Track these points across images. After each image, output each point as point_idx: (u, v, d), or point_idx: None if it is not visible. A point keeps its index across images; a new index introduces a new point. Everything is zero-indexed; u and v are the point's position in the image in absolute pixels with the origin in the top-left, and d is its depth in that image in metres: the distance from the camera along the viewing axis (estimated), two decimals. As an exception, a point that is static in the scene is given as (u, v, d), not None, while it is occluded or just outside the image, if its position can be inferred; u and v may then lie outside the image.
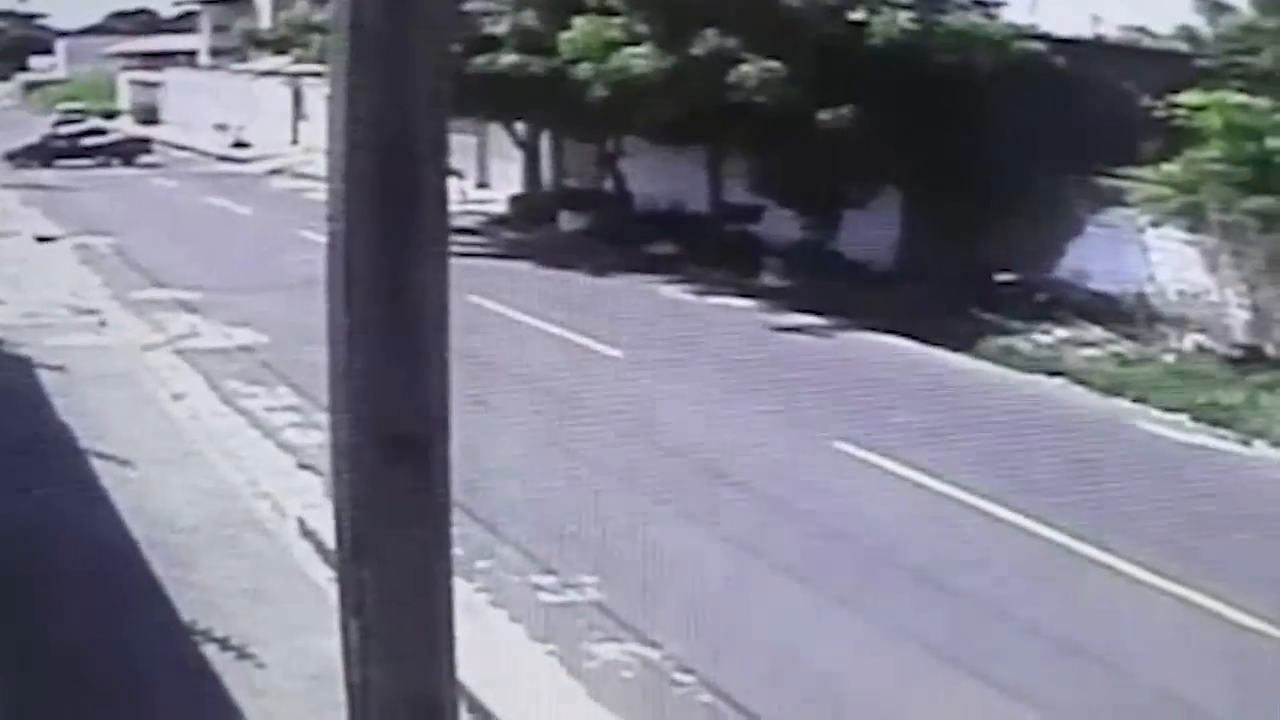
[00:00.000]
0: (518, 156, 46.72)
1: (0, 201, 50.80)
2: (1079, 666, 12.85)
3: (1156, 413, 22.69)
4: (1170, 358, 25.55)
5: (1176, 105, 25.87)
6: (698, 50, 31.98)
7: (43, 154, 66.78)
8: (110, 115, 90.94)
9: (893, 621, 13.83)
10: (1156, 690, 12.46)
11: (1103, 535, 15.80)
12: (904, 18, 31.28)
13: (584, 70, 33.90)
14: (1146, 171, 26.92)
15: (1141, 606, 14.35)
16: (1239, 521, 17.16)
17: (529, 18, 36.96)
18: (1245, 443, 21.03)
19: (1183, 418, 22.28)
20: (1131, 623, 13.95)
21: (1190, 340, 26.10)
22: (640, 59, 32.84)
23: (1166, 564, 14.85)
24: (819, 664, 13.04)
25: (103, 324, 27.68)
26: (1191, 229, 26.67)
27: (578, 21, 34.53)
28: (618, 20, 33.82)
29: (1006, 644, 13.30)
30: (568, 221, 42.90)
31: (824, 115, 30.22)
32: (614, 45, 33.50)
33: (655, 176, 40.15)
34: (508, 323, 27.50)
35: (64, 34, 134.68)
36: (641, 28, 33.36)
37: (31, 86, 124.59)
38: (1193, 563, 14.96)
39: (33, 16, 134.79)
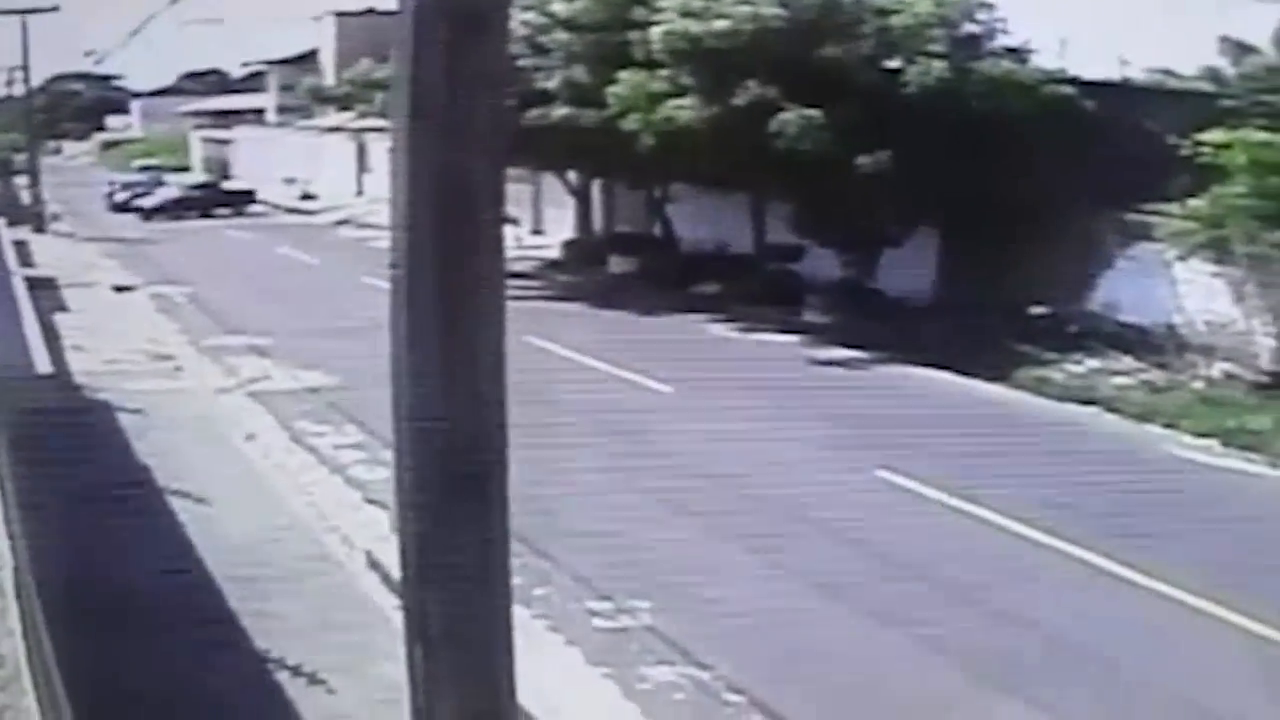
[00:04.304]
0: (570, 203, 46.91)
1: (81, 254, 51.23)
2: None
3: (1187, 438, 22.56)
4: (1199, 385, 25.41)
5: (1202, 143, 25.74)
6: (740, 100, 32.05)
7: (179, 207, 69.08)
8: (184, 170, 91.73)
9: (937, 631, 13.77)
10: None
11: (1130, 553, 15.76)
12: (938, 66, 31.28)
13: (632, 121, 34.02)
14: (1174, 207, 26.83)
15: (1173, 622, 14.24)
16: (1269, 537, 17.09)
17: (579, 72, 37.14)
18: (1274, 465, 20.90)
19: (1212, 442, 22.16)
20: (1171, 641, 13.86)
21: (1218, 368, 25.96)
22: (685, 110, 32.94)
23: (1197, 582, 14.76)
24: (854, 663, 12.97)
25: (178, 369, 27.84)
26: (1218, 261, 26.56)
27: (625, 75, 34.67)
28: (663, 73, 33.94)
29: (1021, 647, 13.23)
30: (618, 264, 43.04)
31: (862, 159, 30.23)
32: (660, 97, 33.61)
33: (701, 220, 40.28)
34: (562, 361, 27.58)
35: (139, 94, 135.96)
36: (686, 80, 33.46)
37: (108, 145, 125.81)
38: (1223, 577, 14.88)
39: (109, 78, 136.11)
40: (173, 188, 74.27)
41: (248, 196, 72.00)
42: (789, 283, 35.78)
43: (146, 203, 70.72)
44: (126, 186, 77.06)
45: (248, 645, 12.83)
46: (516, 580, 5.10)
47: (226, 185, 75.05)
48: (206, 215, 66.77)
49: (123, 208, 72.02)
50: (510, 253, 4.99)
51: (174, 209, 68.51)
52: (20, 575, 11.14)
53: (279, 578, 14.89)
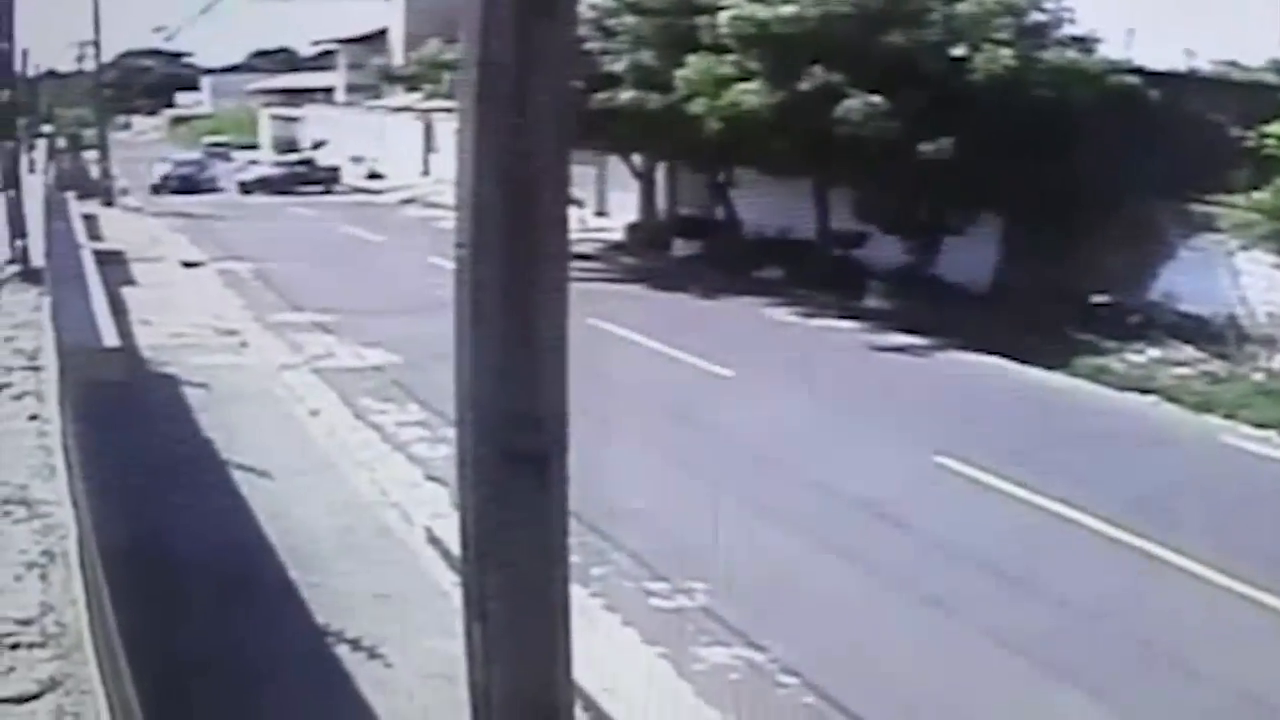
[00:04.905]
0: (635, 186, 46.89)
1: (149, 229, 51.54)
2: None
3: (1246, 429, 22.40)
4: (1260, 376, 25.22)
5: (1266, 135, 25.56)
6: (805, 86, 31.99)
7: (270, 184, 70.28)
8: (252, 148, 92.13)
9: (986, 620, 13.73)
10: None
11: (1185, 544, 15.68)
12: (1004, 54, 31.11)
13: (698, 105, 34.02)
14: (1237, 198, 26.66)
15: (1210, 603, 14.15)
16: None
17: (646, 56, 37.13)
18: (1334, 459, 20.76)
19: (1271, 433, 22.00)
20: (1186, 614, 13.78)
21: (1279, 360, 25.77)
22: (751, 95, 32.89)
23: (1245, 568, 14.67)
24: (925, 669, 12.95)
25: (244, 344, 27.98)
26: (1280, 253, 26.40)
27: (692, 59, 34.65)
28: (730, 58, 33.90)
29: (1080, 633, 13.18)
30: (681, 248, 43.04)
31: (926, 146, 30.11)
32: (726, 82, 33.58)
33: (764, 205, 40.19)
34: (623, 343, 27.57)
35: (209, 71, 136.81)
36: (752, 65, 33.41)
37: (178, 121, 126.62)
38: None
39: (179, 55, 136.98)
40: (265, 164, 75.52)
41: (334, 174, 73.26)
42: (851, 268, 35.70)
43: (246, 176, 71.86)
44: (180, 165, 76.72)
45: (307, 618, 12.90)
46: (574, 559, 5.12)
47: (320, 163, 76.17)
48: (294, 192, 67.78)
49: (158, 189, 71.44)
50: (574, 234, 4.98)
51: (274, 184, 69.73)
52: (84, 544, 11.22)
53: (339, 552, 14.97)
